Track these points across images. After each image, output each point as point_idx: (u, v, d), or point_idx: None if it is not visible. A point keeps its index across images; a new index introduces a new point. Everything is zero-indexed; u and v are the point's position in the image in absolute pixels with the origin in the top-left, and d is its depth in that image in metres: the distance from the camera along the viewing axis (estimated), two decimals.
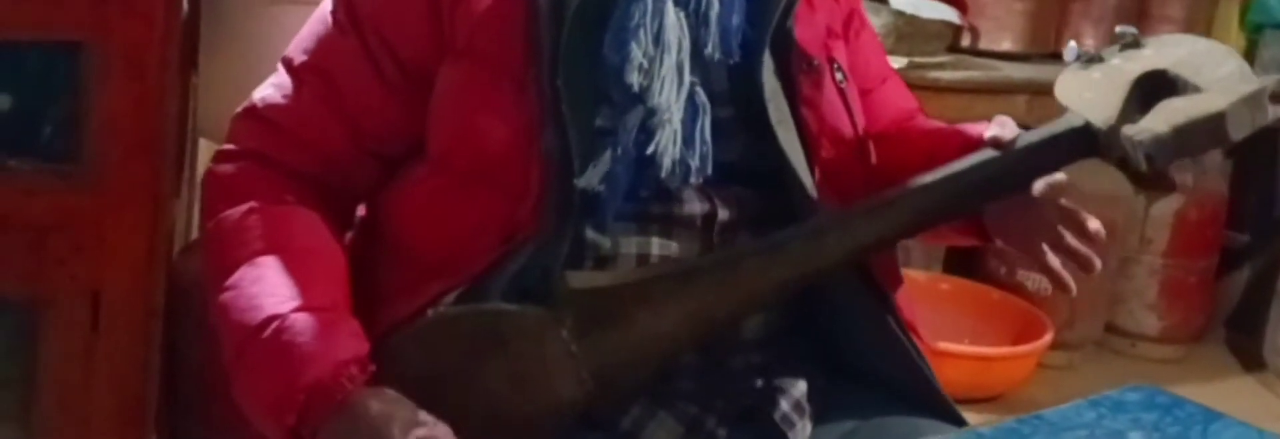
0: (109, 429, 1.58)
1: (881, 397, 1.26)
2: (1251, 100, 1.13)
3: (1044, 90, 2.68)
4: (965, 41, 2.88)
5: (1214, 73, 1.16)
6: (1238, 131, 1.14)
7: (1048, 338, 2.61)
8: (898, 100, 1.43)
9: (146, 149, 1.55)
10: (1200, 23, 3.05)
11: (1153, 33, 3.06)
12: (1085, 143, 1.17)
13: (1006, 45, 2.89)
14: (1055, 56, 2.95)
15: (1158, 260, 2.96)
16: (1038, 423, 1.14)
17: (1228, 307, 3.21)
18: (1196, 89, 1.16)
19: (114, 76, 1.53)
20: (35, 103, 1.64)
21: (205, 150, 2.08)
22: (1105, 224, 2.84)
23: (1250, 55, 3.16)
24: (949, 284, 2.81)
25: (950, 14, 2.64)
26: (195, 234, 2.09)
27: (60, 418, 1.56)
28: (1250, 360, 2.99)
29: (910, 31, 2.63)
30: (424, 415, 1.08)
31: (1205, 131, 1.13)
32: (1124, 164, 1.17)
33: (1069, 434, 1.13)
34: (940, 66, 2.69)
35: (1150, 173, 1.15)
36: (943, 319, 2.48)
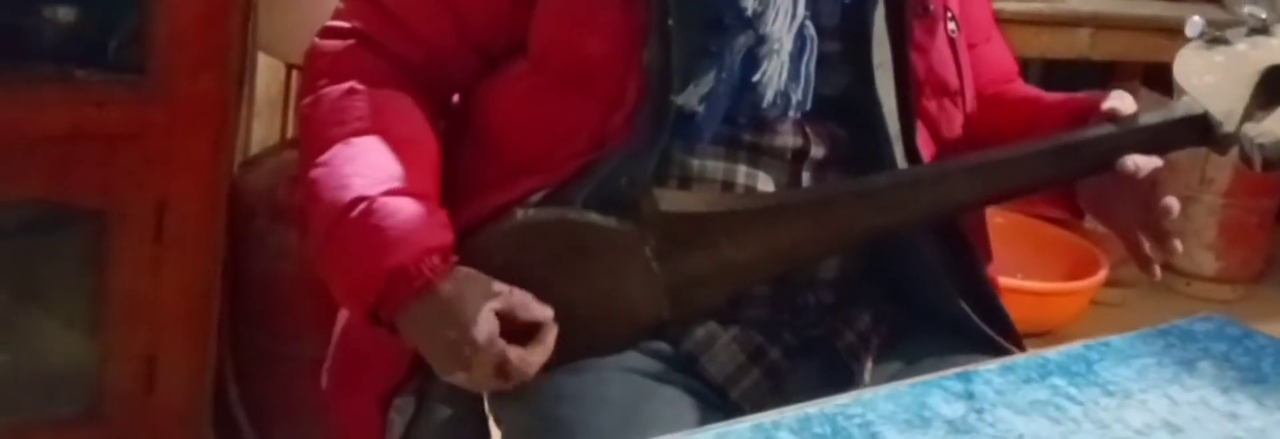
0: (175, 336, 1.61)
1: (949, 333, 1.25)
2: None
3: (1108, 24, 2.67)
4: None
5: None
6: None
7: (1102, 274, 2.59)
8: (1000, 60, 1.41)
9: (213, 62, 1.56)
10: None
11: None
12: (1202, 132, 1.15)
13: None
14: None
15: (1218, 200, 2.92)
16: (1105, 350, 1.13)
17: None
18: None
19: None
20: (102, 16, 1.65)
21: (264, 67, 2.09)
22: (1166, 162, 2.80)
23: None
24: (1004, 218, 2.79)
25: None
26: (254, 149, 2.11)
27: (128, 325, 1.59)
28: None
29: None
30: (498, 286, 1.09)
31: None
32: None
33: (1136, 361, 1.12)
34: None
35: (1263, 170, 1.13)
36: (997, 253, 2.46)
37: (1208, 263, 2.96)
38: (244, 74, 1.88)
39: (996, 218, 2.74)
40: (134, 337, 1.60)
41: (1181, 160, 2.83)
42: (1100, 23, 2.66)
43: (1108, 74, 2.99)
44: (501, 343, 1.07)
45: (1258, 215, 2.96)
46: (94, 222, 1.57)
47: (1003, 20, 2.50)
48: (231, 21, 1.57)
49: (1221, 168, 2.90)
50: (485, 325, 1.06)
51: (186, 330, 1.61)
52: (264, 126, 2.18)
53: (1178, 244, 1.16)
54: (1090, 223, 1.27)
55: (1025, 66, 3.12)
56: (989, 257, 1.32)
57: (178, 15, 1.53)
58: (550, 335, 1.09)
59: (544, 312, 1.10)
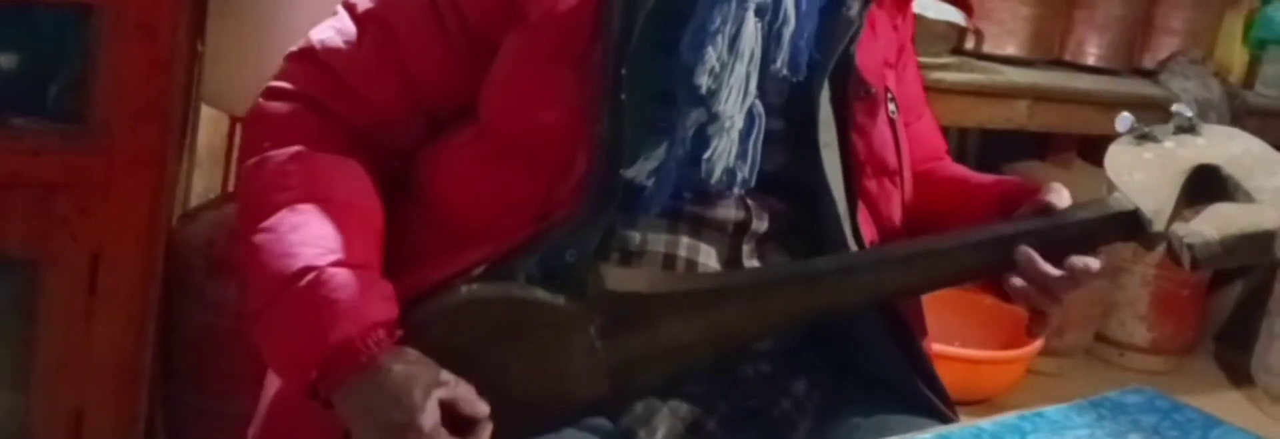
0: (105, 391, 1.57)
1: (884, 399, 1.26)
2: None
3: (1045, 96, 2.71)
4: (969, 44, 2.88)
5: (1267, 181, 1.17)
6: None
7: (1037, 344, 2.62)
8: (930, 138, 1.43)
9: (154, 113, 1.54)
10: (1204, 36, 3.06)
11: (1156, 44, 3.04)
12: (1132, 229, 1.17)
13: (1010, 49, 2.89)
14: (1058, 63, 2.95)
15: (1150, 271, 2.97)
16: (1039, 421, 1.15)
17: (1218, 321, 3.22)
18: (1247, 195, 1.16)
19: (125, 39, 1.53)
20: (43, 63, 1.63)
21: (207, 118, 2.08)
22: None
23: (1252, 71, 3.17)
24: None
25: (956, 16, 2.64)
26: (195, 201, 2.09)
27: (57, 379, 1.56)
28: (1237, 375, 3.00)
29: (915, 32, 2.62)
30: (446, 375, 1.08)
31: (1253, 245, 1.14)
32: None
33: (1069, 433, 1.13)
34: (944, 68, 2.68)
35: (1191, 270, 1.16)
36: (934, 322, 2.47)
37: (1140, 334, 2.99)
38: (186, 125, 1.87)
39: None
40: (62, 391, 1.57)
41: None
42: (1038, 95, 2.70)
43: (1044, 144, 3.04)
44: (445, 434, 1.05)
45: (1189, 288, 3.00)
46: (25, 272, 1.55)
47: (943, 91, 2.58)
48: (175, 72, 1.56)
49: None
50: (432, 414, 1.05)
51: (117, 385, 1.58)
52: (205, 179, 2.16)
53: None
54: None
55: (964, 136, 3.19)
56: (923, 326, 1.32)
57: (120, 65, 1.52)
58: (485, 432, 1.08)
59: (484, 408, 1.08)
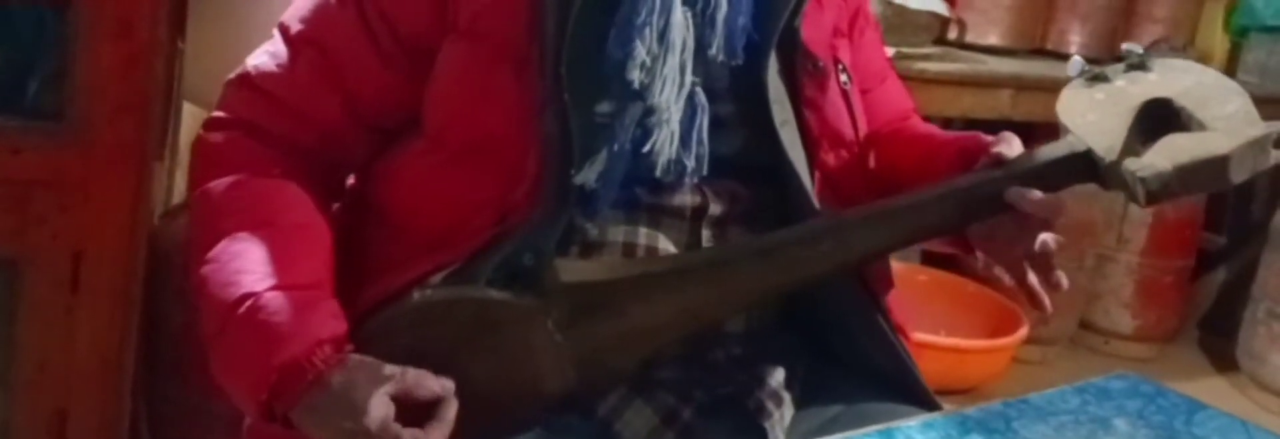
0: (88, 390, 1.56)
1: (863, 384, 1.26)
2: (1255, 145, 1.13)
3: (1029, 85, 2.72)
4: (952, 34, 2.89)
5: (1220, 110, 1.16)
6: (1239, 175, 1.14)
7: (1022, 332, 2.62)
8: (895, 100, 1.42)
9: (133, 109, 1.53)
10: (1186, 23, 3.07)
11: (1138, 33, 3.06)
12: (1087, 169, 1.16)
13: (993, 39, 2.90)
14: (1041, 52, 2.96)
15: (1135, 259, 2.98)
16: (1024, 407, 1.15)
17: (1202, 308, 3.23)
18: (1200, 125, 1.15)
19: (102, 35, 1.52)
20: (21, 59, 1.62)
21: (189, 115, 2.07)
22: (1083, 222, 2.85)
23: (1234, 58, 3.18)
24: (926, 275, 2.82)
25: (939, 6, 2.65)
26: (177, 198, 2.08)
27: (39, 378, 1.55)
28: (1222, 362, 3.01)
29: (898, 22, 2.63)
30: (390, 369, 1.08)
31: (1207, 173, 1.13)
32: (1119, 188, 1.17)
33: (1054, 419, 1.13)
34: (926, 58, 2.68)
35: (1146, 204, 1.15)
36: (919, 310, 2.48)
37: (1125, 322, 3.00)
38: (168, 122, 1.86)
39: (920, 275, 2.79)
40: (45, 391, 1.55)
41: (1099, 220, 2.89)
42: (1021, 84, 2.71)
43: (1028, 134, 3.04)
44: (396, 427, 1.05)
45: (1172, 275, 3.01)
46: (5, 271, 1.53)
47: (926, 81, 2.59)
48: (154, 68, 1.55)
49: (1138, 228, 2.95)
50: (377, 412, 1.05)
51: (100, 384, 1.57)
52: (188, 176, 2.15)
53: (1062, 278, 1.17)
54: (982, 260, 1.27)
55: (948, 125, 3.20)
56: (889, 281, 1.31)
57: (98, 61, 1.51)
58: (450, 411, 1.08)
59: (443, 385, 1.08)
